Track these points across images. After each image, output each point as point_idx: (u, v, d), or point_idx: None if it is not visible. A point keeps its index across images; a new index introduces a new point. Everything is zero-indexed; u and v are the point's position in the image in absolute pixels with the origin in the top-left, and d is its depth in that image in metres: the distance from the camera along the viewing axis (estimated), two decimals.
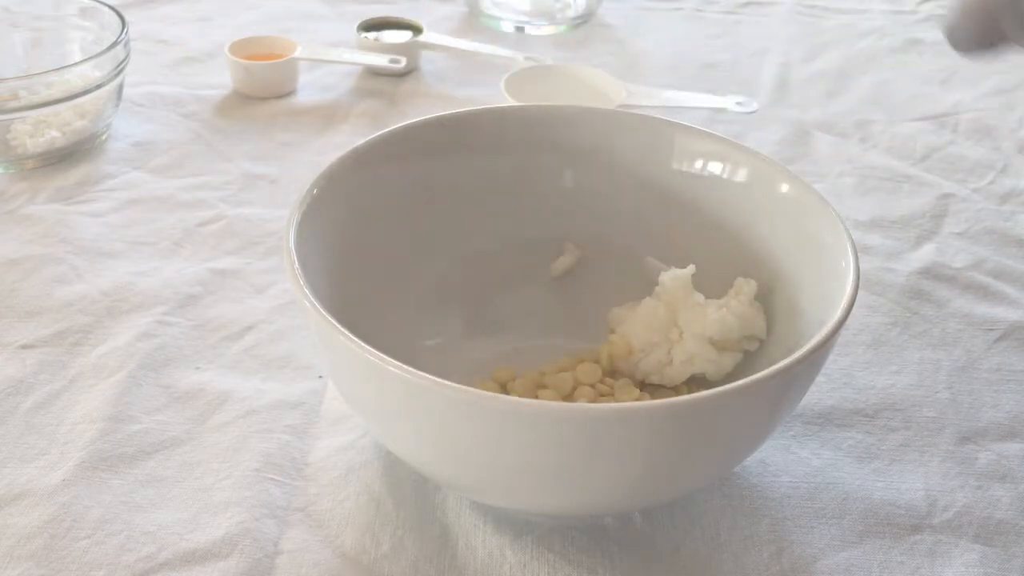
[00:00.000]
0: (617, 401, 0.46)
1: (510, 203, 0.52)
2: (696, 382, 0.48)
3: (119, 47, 0.67)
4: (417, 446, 0.40)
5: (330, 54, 0.77)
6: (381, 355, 0.36)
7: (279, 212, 0.63)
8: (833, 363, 0.53)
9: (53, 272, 0.57)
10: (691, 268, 0.48)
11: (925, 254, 0.62)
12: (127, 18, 0.70)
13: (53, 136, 0.65)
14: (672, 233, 0.51)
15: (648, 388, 0.48)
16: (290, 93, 0.75)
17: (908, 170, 0.70)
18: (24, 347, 0.52)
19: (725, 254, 0.50)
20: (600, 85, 0.73)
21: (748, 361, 0.47)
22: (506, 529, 0.44)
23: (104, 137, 0.69)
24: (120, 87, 0.69)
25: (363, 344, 0.37)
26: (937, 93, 0.80)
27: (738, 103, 0.73)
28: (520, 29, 0.87)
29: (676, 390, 0.48)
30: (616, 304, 0.51)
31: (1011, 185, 0.69)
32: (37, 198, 0.63)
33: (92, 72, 0.67)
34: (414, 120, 0.50)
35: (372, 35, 0.80)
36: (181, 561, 0.42)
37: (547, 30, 0.88)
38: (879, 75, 0.83)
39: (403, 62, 0.77)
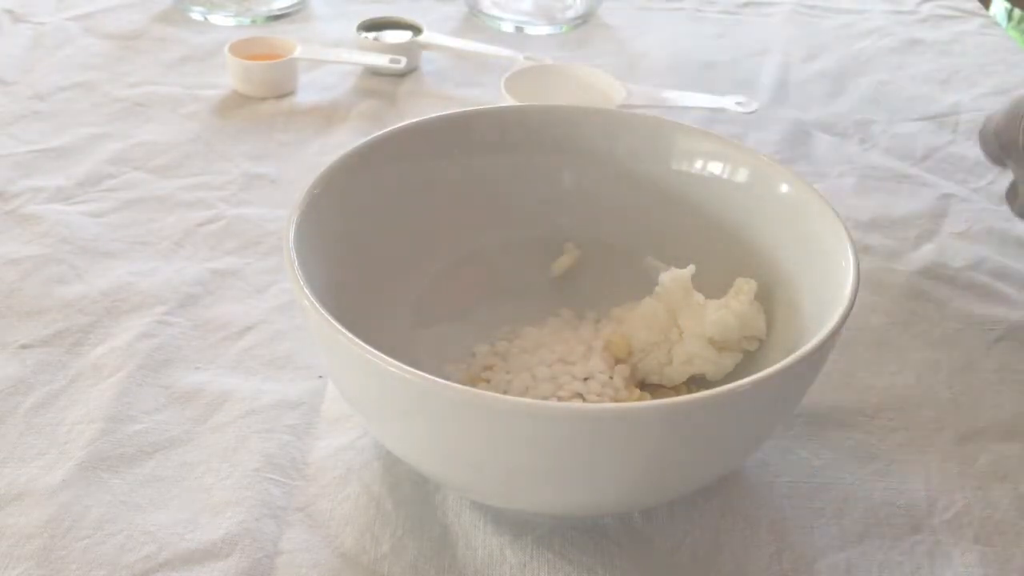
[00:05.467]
0: (617, 401, 0.46)
1: (510, 203, 0.52)
2: (696, 382, 0.48)
3: None
4: (417, 446, 0.40)
5: (330, 54, 0.77)
6: (381, 355, 0.36)
7: (279, 212, 0.63)
8: (833, 363, 0.53)
9: (53, 272, 0.57)
10: (691, 268, 0.48)
11: (925, 254, 0.62)
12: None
13: None
14: (672, 233, 0.51)
15: (648, 388, 0.48)
16: (290, 93, 0.75)
17: (908, 170, 0.70)
18: (24, 347, 0.52)
19: (725, 254, 0.50)
20: (600, 85, 0.73)
21: (748, 361, 0.47)
22: (506, 529, 0.44)
23: None
24: None
25: (363, 344, 0.37)
26: (937, 93, 0.80)
27: (738, 103, 0.73)
28: (520, 29, 0.87)
29: (676, 390, 0.48)
30: (616, 304, 0.51)
31: None
32: (37, 198, 0.63)
33: None
34: (414, 120, 0.50)
35: (372, 35, 0.80)
36: (181, 561, 0.42)
37: (547, 30, 0.88)
38: (879, 75, 0.83)
39: (403, 62, 0.77)
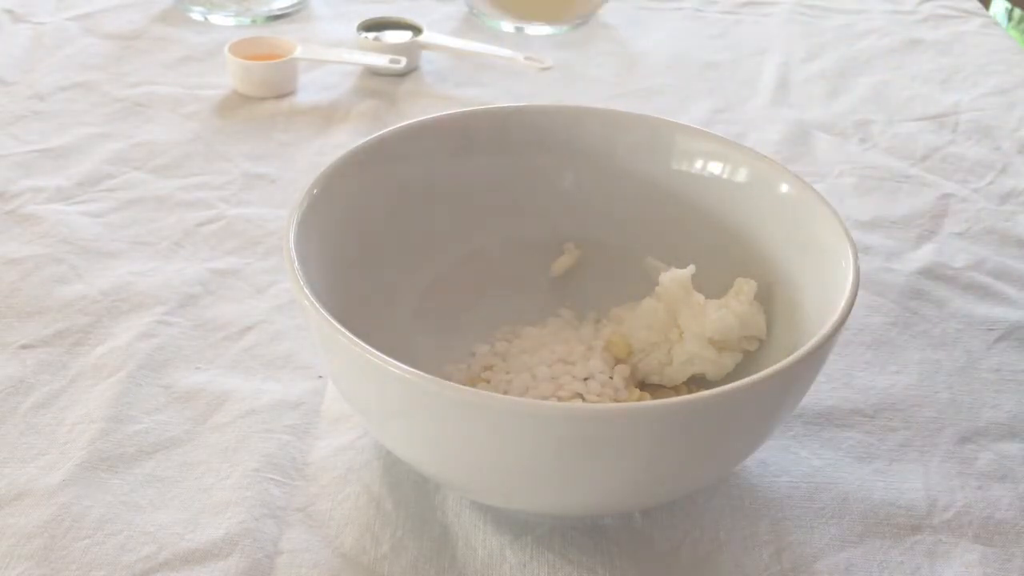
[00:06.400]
0: (617, 401, 0.46)
1: (510, 203, 0.52)
2: (696, 382, 0.48)
3: None
4: (417, 446, 0.40)
5: (330, 54, 0.77)
6: (381, 355, 0.36)
7: (279, 212, 0.63)
8: (833, 363, 0.53)
9: (53, 272, 0.57)
10: (691, 268, 0.48)
11: (925, 254, 0.62)
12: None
13: None
14: (672, 233, 0.51)
15: (648, 388, 0.48)
16: (290, 93, 0.75)
17: (908, 170, 0.70)
18: (24, 347, 0.52)
19: (725, 254, 0.50)
20: None
21: (748, 361, 0.47)
22: (506, 529, 0.44)
23: None
24: None
25: (363, 344, 0.37)
26: (937, 93, 0.80)
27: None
28: (520, 29, 0.87)
29: (676, 390, 0.48)
30: (616, 304, 0.51)
31: (1011, 185, 0.69)
32: (37, 198, 0.63)
33: None
34: (414, 120, 0.50)
35: (372, 35, 0.80)
36: (181, 561, 0.42)
37: (547, 30, 0.88)
38: (879, 75, 0.83)
39: (403, 62, 0.77)
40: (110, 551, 0.42)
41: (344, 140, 0.69)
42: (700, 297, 0.48)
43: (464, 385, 0.36)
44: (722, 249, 0.50)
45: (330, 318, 0.38)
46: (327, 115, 0.73)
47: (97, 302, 0.55)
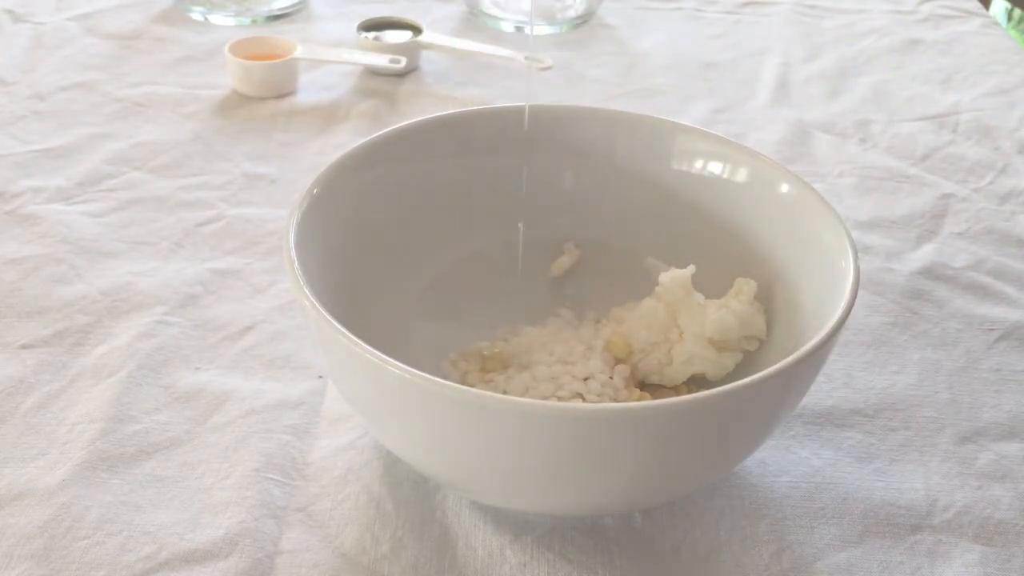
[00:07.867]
0: (617, 401, 0.46)
1: (510, 203, 0.52)
2: (696, 382, 0.48)
3: None
4: (417, 446, 0.40)
5: (330, 54, 0.77)
6: (381, 355, 0.36)
7: (279, 212, 0.63)
8: (833, 363, 0.53)
9: (53, 272, 0.57)
10: (691, 268, 0.48)
11: (925, 254, 0.62)
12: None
13: None
14: (672, 233, 0.51)
15: (648, 388, 0.48)
16: (290, 93, 0.75)
17: (908, 170, 0.70)
18: (24, 347, 0.52)
19: (725, 254, 0.50)
20: None
21: (748, 361, 0.47)
22: (506, 529, 0.44)
23: None
24: None
25: (363, 344, 0.37)
26: (937, 93, 0.80)
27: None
28: (520, 29, 0.87)
29: (676, 390, 0.48)
30: (616, 304, 0.51)
31: (1011, 185, 0.69)
32: (37, 198, 0.63)
33: None
34: (414, 120, 0.50)
35: (372, 35, 0.80)
36: (181, 561, 0.42)
37: (547, 30, 0.88)
38: (879, 75, 0.83)
39: (403, 62, 0.77)
40: (110, 551, 0.42)
41: (344, 140, 0.69)
42: (700, 297, 0.48)
43: (464, 386, 0.36)
44: (722, 249, 0.50)
45: (330, 318, 0.38)
46: (327, 115, 0.73)
47: (97, 302, 0.55)
